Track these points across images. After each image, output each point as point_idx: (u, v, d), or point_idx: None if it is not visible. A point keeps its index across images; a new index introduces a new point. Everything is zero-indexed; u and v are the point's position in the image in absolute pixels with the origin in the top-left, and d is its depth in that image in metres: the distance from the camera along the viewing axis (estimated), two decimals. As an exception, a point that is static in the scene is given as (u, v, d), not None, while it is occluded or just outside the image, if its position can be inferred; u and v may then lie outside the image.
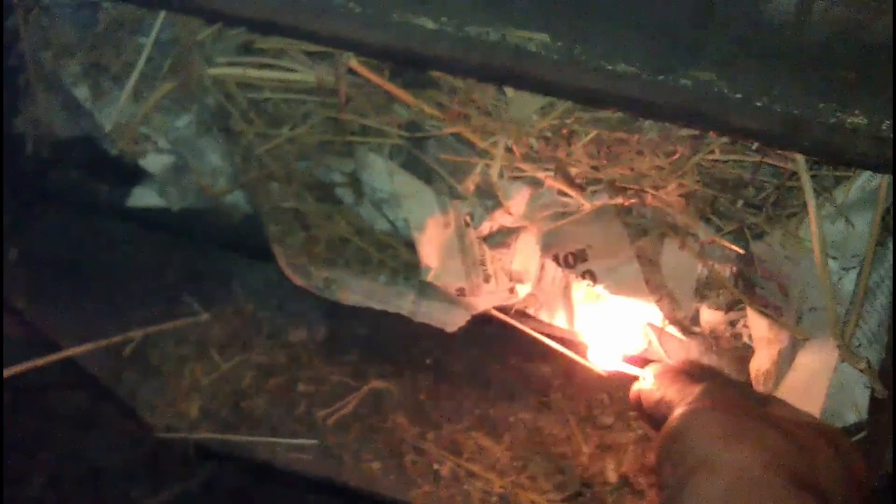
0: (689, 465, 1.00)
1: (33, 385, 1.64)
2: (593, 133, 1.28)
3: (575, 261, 1.48)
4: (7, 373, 1.47)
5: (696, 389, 1.11)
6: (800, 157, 1.20)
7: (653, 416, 1.19)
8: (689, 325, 1.50)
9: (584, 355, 1.42)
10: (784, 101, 1.00)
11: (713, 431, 1.03)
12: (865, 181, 1.28)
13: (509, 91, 1.30)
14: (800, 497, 0.97)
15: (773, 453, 0.99)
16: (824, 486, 1.00)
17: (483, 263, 1.47)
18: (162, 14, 1.40)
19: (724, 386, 1.15)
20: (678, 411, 1.08)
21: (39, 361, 1.54)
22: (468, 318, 1.51)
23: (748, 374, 1.47)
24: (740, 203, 1.36)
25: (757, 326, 1.43)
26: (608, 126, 1.28)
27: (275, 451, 1.65)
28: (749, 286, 1.43)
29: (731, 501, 0.96)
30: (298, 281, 1.55)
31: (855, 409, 1.34)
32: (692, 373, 1.21)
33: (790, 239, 1.34)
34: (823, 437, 1.05)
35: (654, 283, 1.47)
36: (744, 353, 1.49)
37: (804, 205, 1.26)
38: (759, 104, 1.00)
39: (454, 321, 1.52)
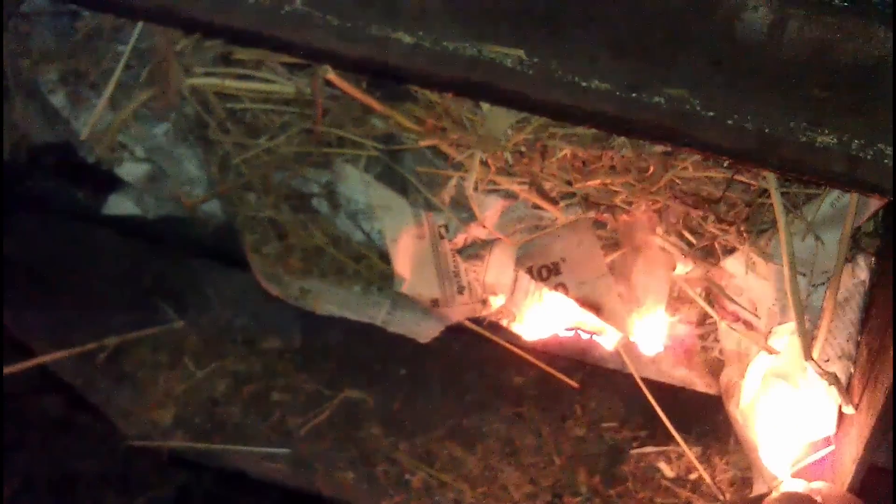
0: None
1: (6, 390, 1.63)
2: (567, 149, 1.29)
3: (548, 273, 1.48)
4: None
5: None
6: (771, 175, 1.21)
7: None
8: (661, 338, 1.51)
9: (554, 367, 1.43)
10: (756, 119, 1.01)
11: None
12: (835, 199, 1.30)
13: (485, 105, 1.31)
14: None
15: None
16: None
17: (457, 275, 1.48)
18: (140, 23, 1.40)
19: None
20: None
21: (13, 368, 1.54)
22: (441, 328, 1.52)
23: (718, 387, 1.49)
24: (711, 219, 1.37)
25: (728, 340, 1.45)
26: (582, 142, 1.29)
27: (248, 460, 1.66)
28: (720, 301, 1.44)
29: None
30: (273, 290, 1.55)
31: (824, 424, 1.36)
32: None
33: (760, 255, 1.35)
34: None
35: (626, 297, 1.48)
36: (714, 367, 1.51)
37: (774, 221, 1.28)
38: (730, 122, 1.01)
39: (427, 332, 1.53)
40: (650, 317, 1.47)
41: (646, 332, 1.48)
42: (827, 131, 1.00)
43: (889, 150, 0.99)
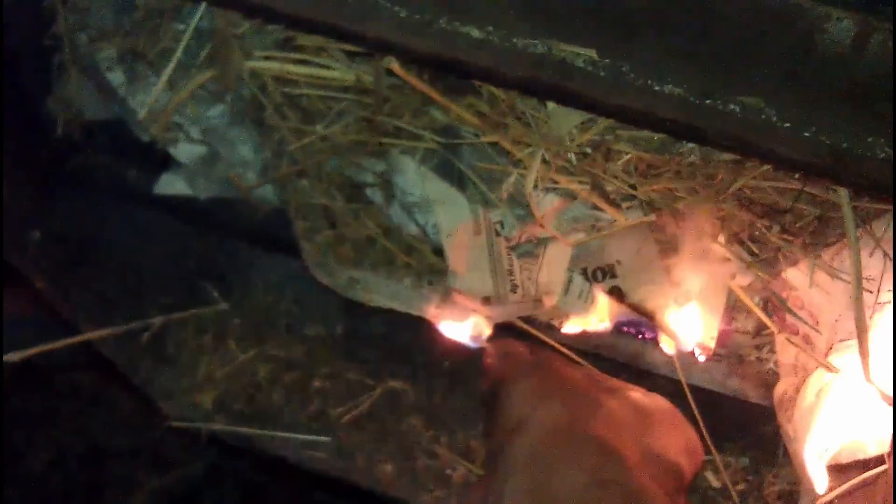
0: (506, 430, 1.05)
1: (44, 364, 1.63)
2: (632, 152, 1.27)
3: (603, 276, 1.46)
4: (21, 356, 1.46)
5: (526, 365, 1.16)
6: (843, 190, 1.18)
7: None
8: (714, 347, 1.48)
9: (604, 370, 1.41)
10: (833, 132, 0.98)
11: (527, 395, 1.14)
12: (906, 215, 1.27)
13: (550, 104, 1.28)
14: (603, 451, 1.05)
15: (582, 412, 1.05)
16: (663, 453, 1.14)
17: (511, 273, 1.46)
18: (203, 4, 1.39)
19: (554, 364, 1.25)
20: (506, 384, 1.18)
21: (57, 344, 1.54)
22: (489, 332, 1.50)
23: (771, 400, 1.46)
24: (777, 229, 1.34)
25: (784, 353, 1.42)
26: (649, 145, 1.26)
27: (287, 446, 1.65)
28: (779, 313, 1.42)
29: (538, 455, 1.05)
30: (323, 279, 1.54)
31: (878, 441, 1.33)
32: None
33: (825, 269, 1.32)
34: (667, 413, 1.20)
35: (683, 303, 1.45)
36: (768, 379, 1.48)
37: (842, 235, 1.25)
38: (807, 134, 0.98)
39: (476, 334, 1.51)
40: (706, 324, 1.44)
41: (700, 340, 1.46)
42: (907, 148, 0.97)
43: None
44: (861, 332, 1.22)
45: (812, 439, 1.37)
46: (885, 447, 1.33)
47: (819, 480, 1.33)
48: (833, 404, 1.32)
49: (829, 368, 1.32)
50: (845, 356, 1.31)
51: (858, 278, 1.21)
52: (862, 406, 1.31)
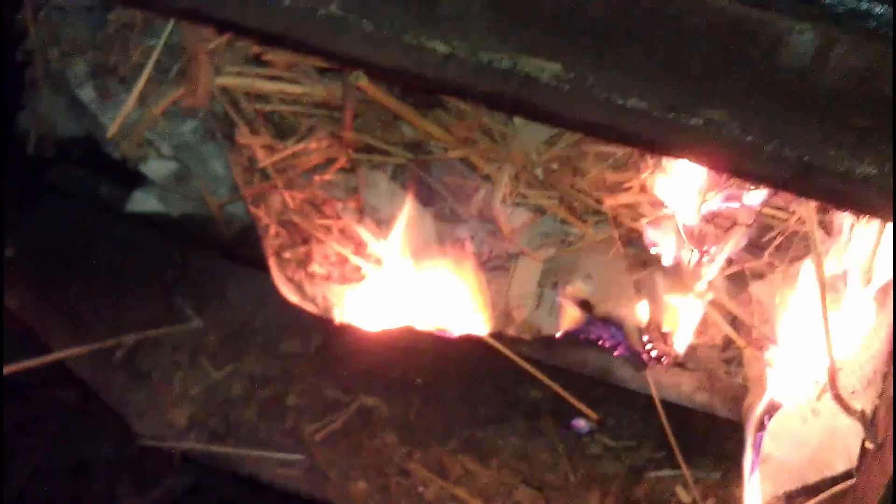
0: None
1: (21, 380, 1.62)
2: (599, 166, 1.28)
3: (573, 289, 1.47)
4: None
5: None
6: (810, 204, 1.19)
7: None
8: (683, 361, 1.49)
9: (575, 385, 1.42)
10: (795, 146, 0.98)
11: None
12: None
13: (517, 118, 1.29)
14: None
15: None
16: None
17: (480, 288, 1.47)
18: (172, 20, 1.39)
19: None
20: None
21: (29, 363, 1.53)
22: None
23: (740, 413, 1.47)
24: (743, 244, 1.35)
25: (752, 367, 1.43)
26: (615, 160, 1.27)
27: (261, 465, 1.64)
28: (746, 327, 1.43)
29: None
30: (292, 297, 1.54)
31: (846, 457, 1.33)
32: None
33: (790, 282, 1.33)
34: None
35: (651, 317, 1.46)
36: (738, 393, 1.49)
37: (807, 248, 1.26)
38: (769, 148, 0.98)
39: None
40: (674, 338, 1.45)
41: (669, 353, 1.47)
42: (868, 161, 0.97)
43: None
44: (827, 345, 1.23)
45: (778, 454, 1.38)
46: (854, 462, 1.34)
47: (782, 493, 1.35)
48: (797, 418, 1.34)
49: (793, 381, 1.33)
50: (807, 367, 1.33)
51: (823, 290, 1.22)
52: (829, 420, 1.32)
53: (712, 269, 1.38)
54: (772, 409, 1.39)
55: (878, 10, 0.97)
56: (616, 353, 1.51)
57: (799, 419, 1.34)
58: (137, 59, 1.43)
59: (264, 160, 1.44)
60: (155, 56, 1.40)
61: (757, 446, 1.36)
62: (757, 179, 1.03)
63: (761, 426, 1.39)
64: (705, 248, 1.38)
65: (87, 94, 1.49)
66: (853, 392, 1.29)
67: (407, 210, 1.43)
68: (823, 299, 1.22)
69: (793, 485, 1.36)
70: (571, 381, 1.47)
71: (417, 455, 1.64)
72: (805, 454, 1.33)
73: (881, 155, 0.98)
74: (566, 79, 1.01)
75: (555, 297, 1.47)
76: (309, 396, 1.69)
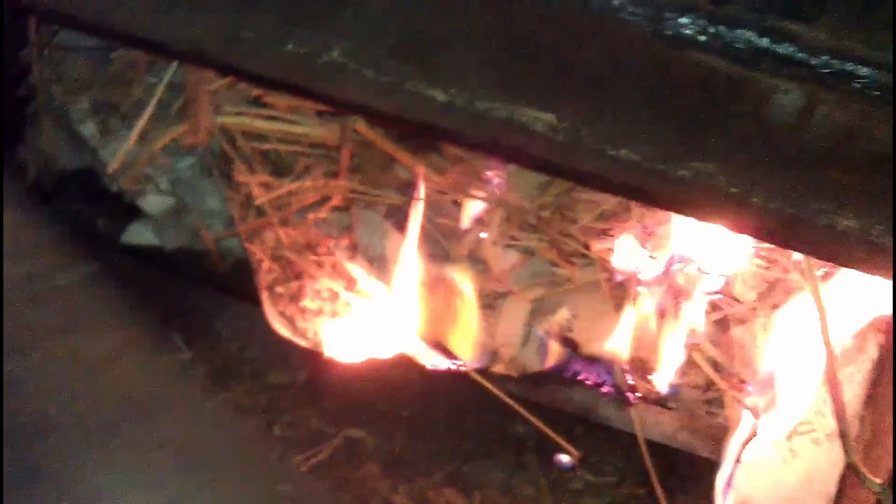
0: None
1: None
2: (590, 213, 1.30)
3: (560, 329, 1.49)
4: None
5: None
6: (805, 259, 1.20)
7: None
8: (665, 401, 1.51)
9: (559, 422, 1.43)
10: (780, 198, 1.01)
11: None
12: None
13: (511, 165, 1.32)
14: None
15: None
16: None
17: (468, 326, 1.49)
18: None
19: None
20: None
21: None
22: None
23: (720, 454, 1.49)
24: (726, 290, 1.38)
25: (733, 409, 1.45)
26: (605, 207, 1.30)
27: (247, 496, 1.65)
28: (727, 370, 1.45)
29: None
30: (284, 331, 1.56)
31: (825, 499, 1.36)
32: None
33: (771, 327, 1.36)
34: None
35: (636, 358, 1.49)
36: (719, 433, 1.51)
37: (787, 294, 1.28)
38: (755, 200, 1.01)
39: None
40: (658, 379, 1.48)
41: (652, 394, 1.49)
42: (850, 215, 1.00)
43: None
44: (835, 391, 1.23)
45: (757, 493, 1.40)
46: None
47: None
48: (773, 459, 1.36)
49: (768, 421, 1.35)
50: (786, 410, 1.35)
51: (828, 341, 1.22)
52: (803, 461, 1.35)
53: (693, 315, 1.41)
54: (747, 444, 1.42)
55: (863, 71, 1.01)
56: (601, 392, 1.54)
57: (778, 460, 1.36)
58: (140, 97, 1.45)
59: (261, 197, 1.46)
60: (157, 94, 1.42)
61: (730, 479, 1.38)
62: (742, 230, 1.05)
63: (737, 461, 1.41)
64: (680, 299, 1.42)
65: (88, 129, 1.50)
66: (828, 434, 1.32)
67: (400, 249, 1.46)
68: (830, 352, 1.24)
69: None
70: (556, 418, 1.48)
71: (402, 487, 1.65)
72: (784, 495, 1.35)
73: (863, 210, 1.00)
74: (560, 128, 1.04)
75: (542, 336, 1.50)
76: (295, 427, 1.70)
